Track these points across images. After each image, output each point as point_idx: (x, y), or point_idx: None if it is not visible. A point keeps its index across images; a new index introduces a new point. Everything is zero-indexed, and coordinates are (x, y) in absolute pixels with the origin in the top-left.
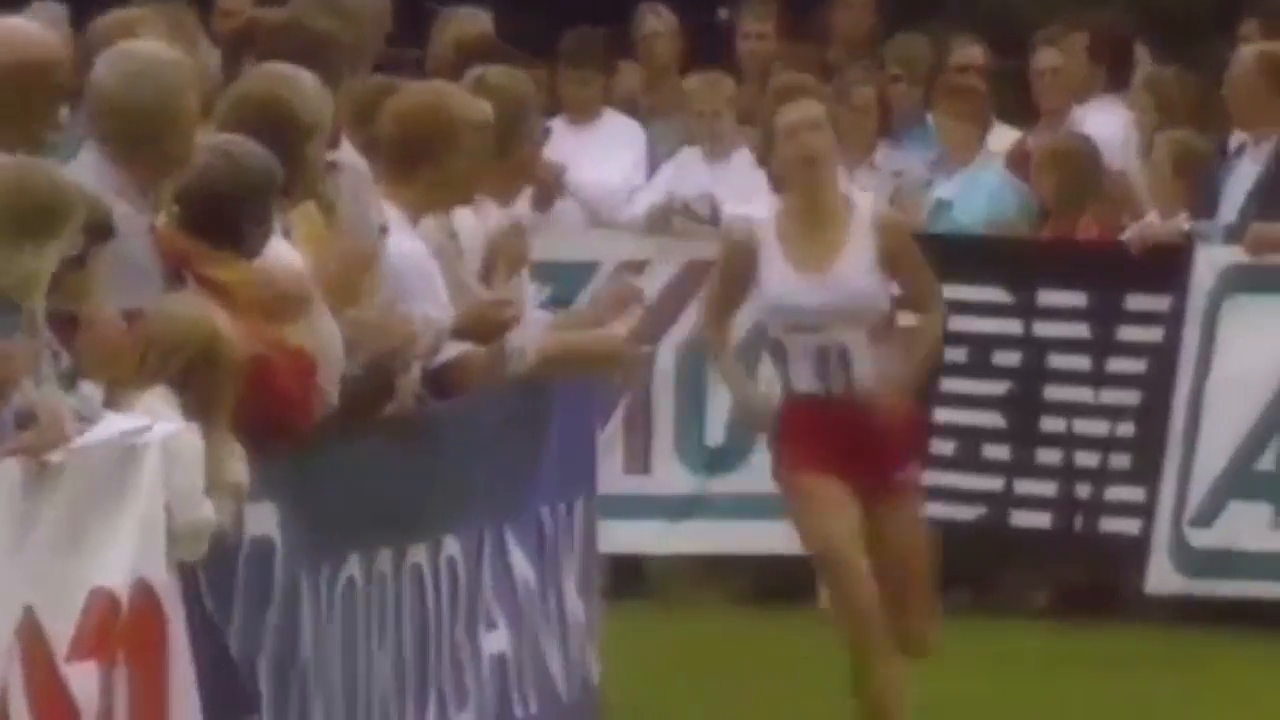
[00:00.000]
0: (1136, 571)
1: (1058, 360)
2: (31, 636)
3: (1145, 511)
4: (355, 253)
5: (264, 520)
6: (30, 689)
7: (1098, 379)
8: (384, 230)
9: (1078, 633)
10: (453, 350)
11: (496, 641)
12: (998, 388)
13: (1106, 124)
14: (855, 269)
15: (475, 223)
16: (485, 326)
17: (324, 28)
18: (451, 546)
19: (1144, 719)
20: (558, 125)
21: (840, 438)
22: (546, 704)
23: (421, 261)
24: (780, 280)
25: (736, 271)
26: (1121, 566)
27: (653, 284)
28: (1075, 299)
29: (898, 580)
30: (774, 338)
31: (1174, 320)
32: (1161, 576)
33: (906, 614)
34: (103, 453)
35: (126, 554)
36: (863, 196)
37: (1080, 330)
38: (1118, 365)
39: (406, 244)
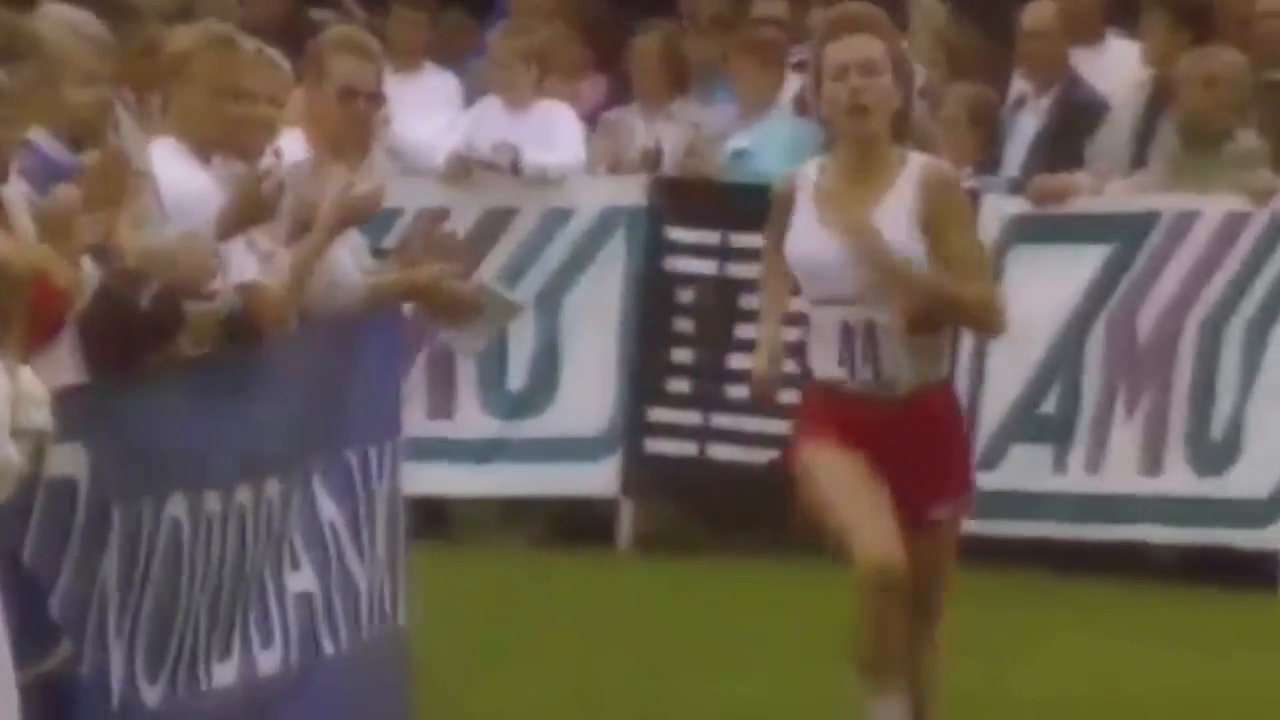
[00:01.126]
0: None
1: None
2: None
3: None
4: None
5: (70, 460)
6: None
7: None
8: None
9: None
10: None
11: (301, 581)
12: (790, 334)
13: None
14: (889, 225)
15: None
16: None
17: None
18: (271, 488)
19: None
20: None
21: (866, 442)
22: (353, 641)
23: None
24: (802, 234)
25: (777, 223)
26: None
27: (455, 230)
28: None
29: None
30: (806, 311)
31: None
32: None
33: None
34: None
35: None
36: (919, 154)
37: None
38: None
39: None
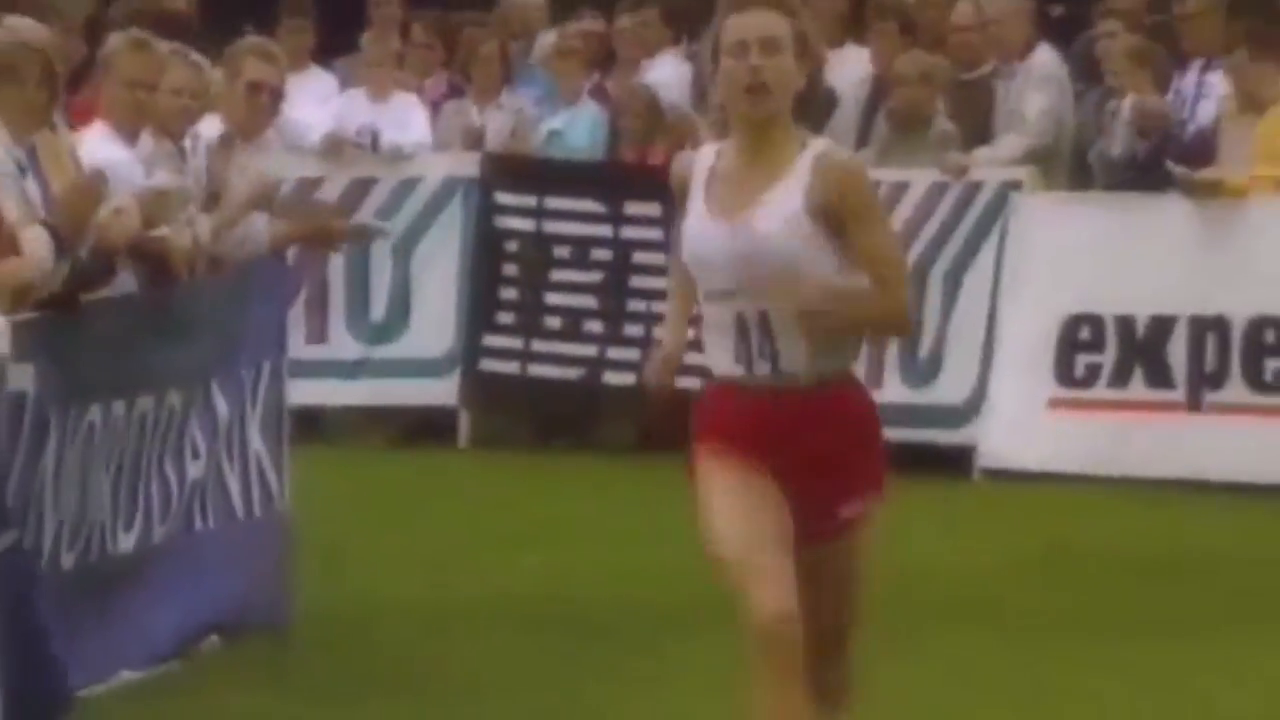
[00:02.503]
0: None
1: (640, 256)
2: None
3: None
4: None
5: (21, 377)
6: None
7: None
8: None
9: (660, 464)
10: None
11: (195, 469)
12: (594, 277)
13: (669, 73)
14: (772, 214)
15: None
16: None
17: None
18: (173, 398)
19: None
20: None
21: (767, 441)
22: (222, 520)
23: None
24: (691, 225)
25: (679, 208)
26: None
27: (328, 195)
28: (652, 209)
29: (819, 624)
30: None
31: None
32: None
33: (824, 663)
34: None
35: None
36: (821, 140)
37: (657, 234)
38: None
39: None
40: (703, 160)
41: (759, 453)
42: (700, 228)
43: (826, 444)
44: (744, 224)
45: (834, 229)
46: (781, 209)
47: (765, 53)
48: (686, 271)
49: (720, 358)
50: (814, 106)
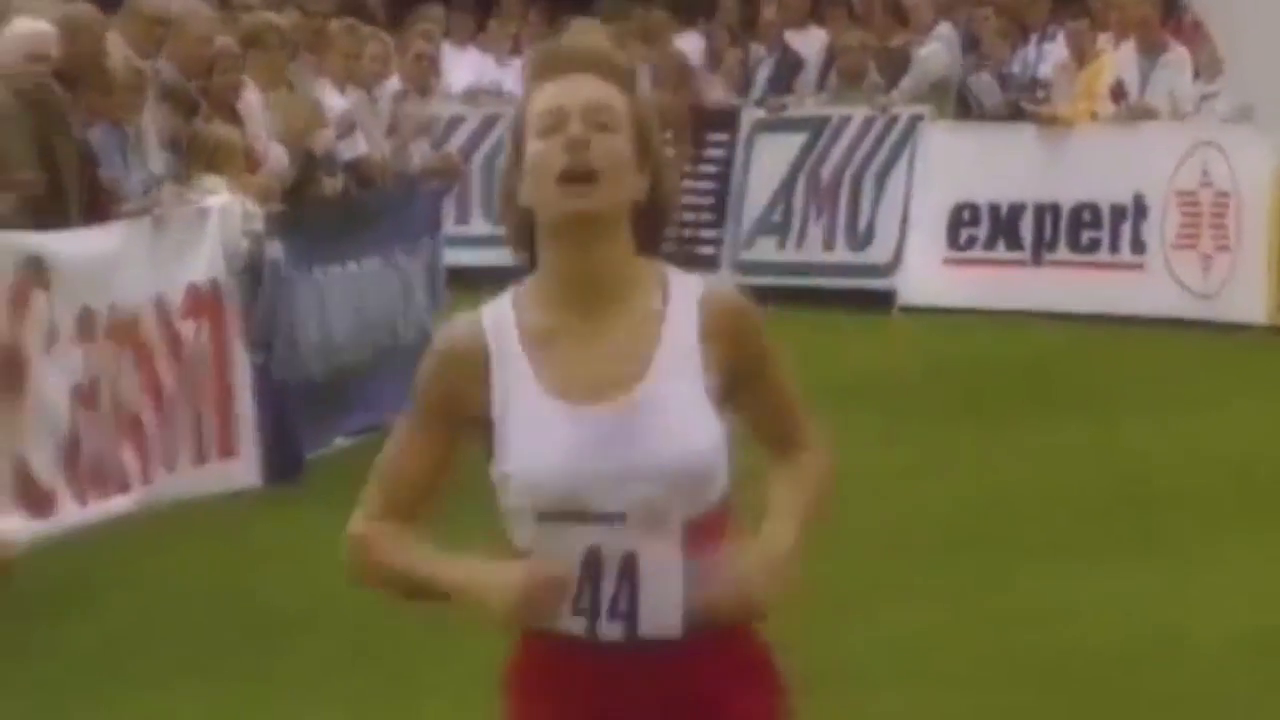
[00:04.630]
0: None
1: None
2: (161, 308)
3: (717, 242)
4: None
5: (273, 249)
6: (160, 332)
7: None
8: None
9: None
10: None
11: (387, 309)
12: None
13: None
14: (678, 405)
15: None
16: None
17: None
18: (373, 259)
19: None
20: None
21: None
22: (404, 340)
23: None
24: (525, 412)
25: (436, 411)
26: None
27: (467, 129)
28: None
29: None
30: (517, 528)
31: (731, 146)
32: (727, 275)
33: None
34: (188, 211)
35: (204, 264)
36: (683, 274)
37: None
38: (705, 170)
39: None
40: (501, 319)
41: None
42: (546, 420)
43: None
44: (626, 417)
45: (741, 384)
46: (680, 393)
47: (593, 122)
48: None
49: None
50: (658, 235)
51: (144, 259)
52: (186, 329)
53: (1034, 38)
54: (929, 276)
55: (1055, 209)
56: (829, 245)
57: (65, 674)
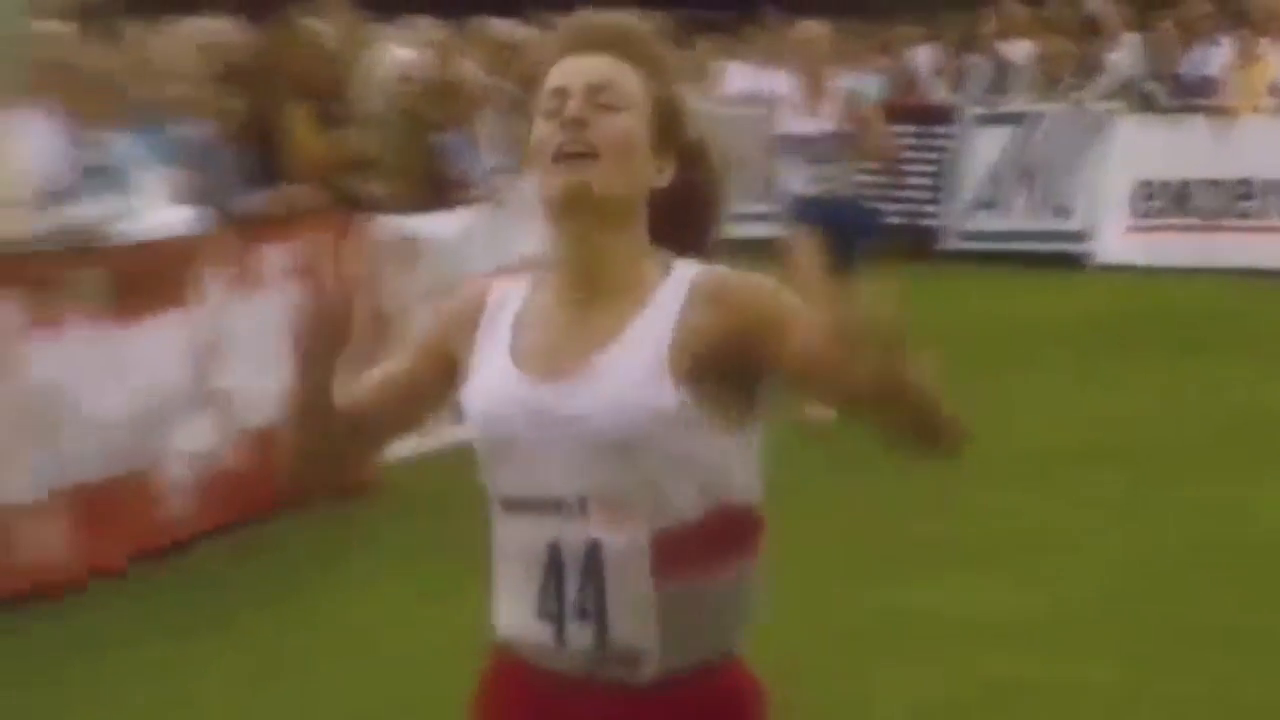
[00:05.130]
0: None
1: None
2: None
3: (940, 215)
4: None
5: None
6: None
7: (924, 162)
8: None
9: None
10: None
11: None
12: None
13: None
14: (619, 368)
15: None
16: None
17: None
18: None
19: None
20: None
21: None
22: None
23: None
24: (491, 377)
25: (438, 336)
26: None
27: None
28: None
29: None
30: (494, 527)
31: (953, 137)
32: (951, 243)
33: None
34: (520, 196)
35: (534, 239)
36: (697, 264)
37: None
38: (930, 157)
39: None
40: (508, 293)
41: None
42: (499, 387)
43: None
44: (572, 385)
45: (730, 374)
46: (634, 360)
47: (594, 102)
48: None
49: (514, 610)
50: (700, 232)
51: (486, 236)
52: None
53: (1202, 44)
54: (1117, 241)
55: (1221, 184)
56: (1035, 216)
57: (450, 567)
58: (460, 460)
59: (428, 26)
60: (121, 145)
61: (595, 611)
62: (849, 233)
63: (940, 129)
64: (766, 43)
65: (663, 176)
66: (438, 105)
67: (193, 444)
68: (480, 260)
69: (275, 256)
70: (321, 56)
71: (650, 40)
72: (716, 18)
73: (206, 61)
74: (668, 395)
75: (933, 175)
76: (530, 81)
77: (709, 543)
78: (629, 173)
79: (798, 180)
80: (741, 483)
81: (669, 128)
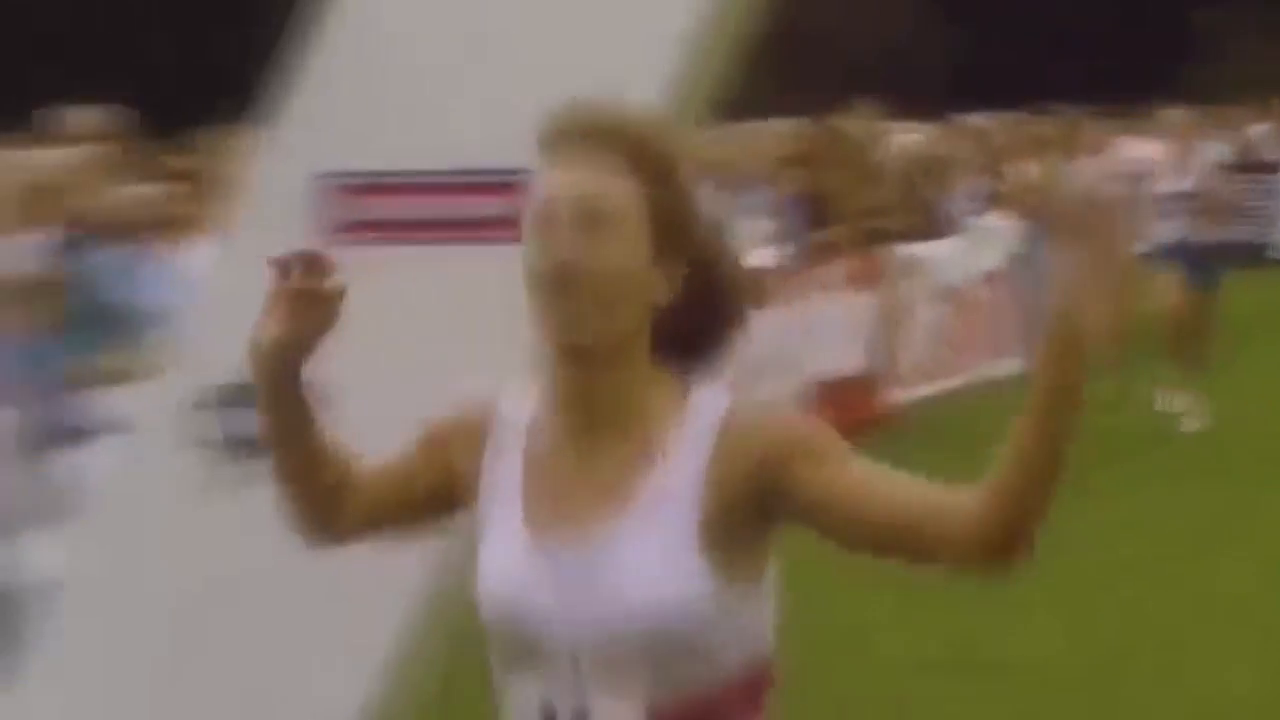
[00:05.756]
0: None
1: None
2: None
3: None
4: None
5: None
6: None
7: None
8: None
9: None
10: None
11: None
12: None
13: None
14: (638, 556)
15: None
16: None
17: None
18: None
19: None
20: None
21: None
22: None
23: None
24: (499, 541)
25: (434, 458)
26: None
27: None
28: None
29: None
30: (497, 681)
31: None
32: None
33: None
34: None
35: None
36: (721, 389)
37: None
38: (1262, 200)
39: None
40: (517, 412)
41: None
42: (509, 552)
43: None
44: (587, 554)
45: (756, 515)
46: (656, 534)
47: (582, 224)
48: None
49: None
50: (711, 342)
51: (963, 254)
52: None
53: None
54: None
55: None
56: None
57: None
58: (984, 396)
59: (918, 127)
60: (728, 202)
61: None
62: (1209, 266)
63: (1268, 176)
64: (1147, 123)
65: (667, 289)
66: (928, 171)
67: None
68: (961, 271)
69: (830, 274)
70: (854, 144)
71: (648, 137)
72: (1107, 107)
73: (781, 148)
74: (698, 580)
75: (1264, 208)
76: (991, 160)
77: (715, 709)
78: (623, 307)
79: (1170, 228)
80: (753, 636)
81: (672, 234)
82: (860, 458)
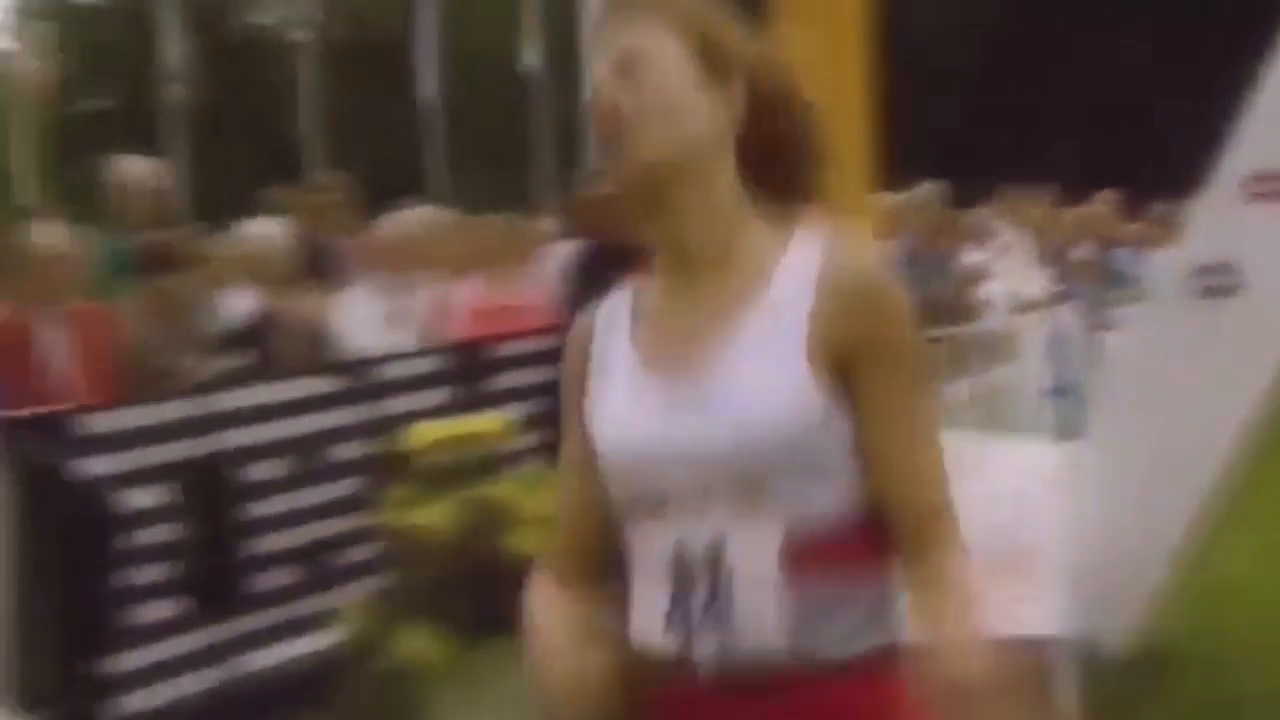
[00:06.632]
0: None
1: None
2: None
3: None
4: None
5: None
6: None
7: None
8: None
9: None
10: None
11: None
12: None
13: None
14: (752, 369)
15: None
16: None
17: None
18: None
19: None
20: None
21: None
22: None
23: None
24: (617, 390)
25: (573, 402)
26: None
27: None
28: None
29: None
30: (625, 537)
31: None
32: None
33: None
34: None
35: None
36: (823, 225)
37: None
38: None
39: None
40: (616, 307)
41: None
42: (629, 399)
43: None
44: (700, 381)
45: (840, 384)
46: (767, 351)
47: (623, 74)
48: (591, 492)
49: (644, 618)
50: (792, 173)
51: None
52: None
53: None
54: None
55: None
56: None
57: None
58: None
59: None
60: None
61: (722, 615)
62: None
63: None
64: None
65: (726, 112)
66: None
67: None
68: None
69: None
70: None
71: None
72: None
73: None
74: (813, 390)
75: None
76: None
77: (844, 545)
78: (677, 124)
79: None
80: (861, 477)
81: (718, 56)
82: (919, 394)
